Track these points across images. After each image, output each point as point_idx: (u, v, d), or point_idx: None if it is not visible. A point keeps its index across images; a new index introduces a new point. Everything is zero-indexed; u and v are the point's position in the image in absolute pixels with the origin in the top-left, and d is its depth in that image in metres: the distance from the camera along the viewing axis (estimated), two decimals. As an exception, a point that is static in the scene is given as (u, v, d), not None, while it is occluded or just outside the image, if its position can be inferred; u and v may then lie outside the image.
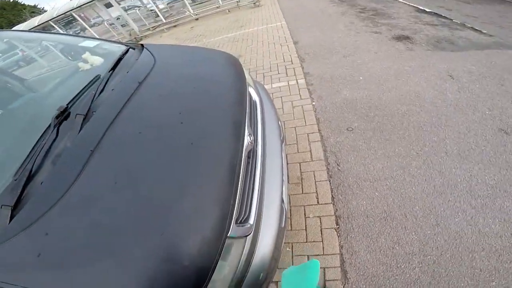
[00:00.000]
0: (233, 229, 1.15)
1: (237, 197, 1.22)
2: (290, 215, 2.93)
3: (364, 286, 2.27)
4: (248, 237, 1.25)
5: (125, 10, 12.59)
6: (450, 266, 2.22)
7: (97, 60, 2.25)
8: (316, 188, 3.09)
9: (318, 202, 2.97)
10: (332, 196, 3.00)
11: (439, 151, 2.98)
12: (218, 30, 9.78)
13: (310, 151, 3.23)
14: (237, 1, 12.24)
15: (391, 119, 3.45)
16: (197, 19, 12.48)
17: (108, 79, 1.71)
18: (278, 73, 4.99)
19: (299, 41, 6.37)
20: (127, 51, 2.20)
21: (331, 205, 2.91)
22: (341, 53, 5.32)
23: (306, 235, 2.72)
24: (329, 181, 3.11)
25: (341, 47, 5.66)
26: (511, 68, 3.72)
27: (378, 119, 3.49)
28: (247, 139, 1.42)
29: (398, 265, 2.32)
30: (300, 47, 6.11)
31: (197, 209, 1.06)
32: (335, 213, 2.84)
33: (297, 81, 4.59)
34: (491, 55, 4.15)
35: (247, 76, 2.14)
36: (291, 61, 5.42)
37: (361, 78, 4.40)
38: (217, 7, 12.60)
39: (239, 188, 1.25)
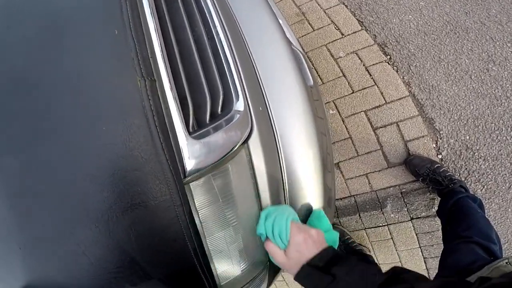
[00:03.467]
0: (192, 149, 0.47)
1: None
2: (313, 65, 1.67)
3: (473, 138, 1.38)
4: (249, 141, 0.55)
5: None
6: None
7: None
8: (330, 18, 1.83)
9: (343, 34, 1.75)
10: (359, 20, 1.81)
11: None
12: None
13: (295, -25, 2.01)
14: None
15: None
16: None
17: None
18: None
19: None
20: None
21: (364, 31, 1.74)
22: None
23: (349, 82, 1.56)
24: (344, 3, 1.88)
25: None
26: None
27: None
28: None
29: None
30: None
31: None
32: (375, 40, 1.70)
33: None
34: None
35: None
36: None
37: None
38: None
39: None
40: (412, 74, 1.57)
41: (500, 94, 1.44)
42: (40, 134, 0.49)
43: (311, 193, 0.66)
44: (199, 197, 0.47)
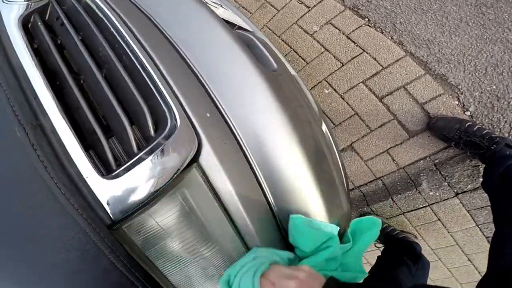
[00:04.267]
0: (111, 191, 0.42)
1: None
2: (291, 47, 1.45)
3: (501, 86, 1.13)
4: (201, 158, 0.49)
5: None
6: None
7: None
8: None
9: (308, 7, 1.55)
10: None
11: None
12: None
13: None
14: None
15: None
16: None
17: None
18: None
19: None
20: None
21: None
22: None
23: (334, 55, 1.34)
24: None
25: None
26: None
27: None
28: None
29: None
30: None
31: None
32: (344, 5, 1.50)
33: None
34: None
35: None
36: None
37: None
38: None
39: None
40: (400, 32, 1.39)
41: (511, 36, 1.28)
42: None
43: (306, 193, 0.54)
44: (139, 238, 0.42)
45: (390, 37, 1.38)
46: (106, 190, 0.40)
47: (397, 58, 1.29)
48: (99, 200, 0.39)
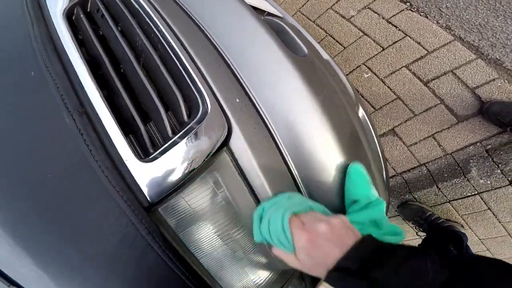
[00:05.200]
0: (147, 174, 0.42)
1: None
2: (327, 33, 1.42)
3: None
4: (231, 142, 0.49)
5: None
6: None
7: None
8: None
9: None
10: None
11: None
12: None
13: None
14: None
15: None
16: None
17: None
18: None
19: None
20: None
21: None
22: None
23: (373, 40, 1.29)
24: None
25: None
26: None
27: None
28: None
29: None
30: None
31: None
32: None
33: None
34: None
35: None
36: None
37: None
38: None
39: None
40: (448, 16, 1.32)
41: None
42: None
43: (338, 179, 0.53)
44: (173, 220, 0.44)
45: (435, 22, 1.32)
46: (143, 173, 0.40)
47: (444, 42, 1.23)
48: (137, 182, 0.40)
